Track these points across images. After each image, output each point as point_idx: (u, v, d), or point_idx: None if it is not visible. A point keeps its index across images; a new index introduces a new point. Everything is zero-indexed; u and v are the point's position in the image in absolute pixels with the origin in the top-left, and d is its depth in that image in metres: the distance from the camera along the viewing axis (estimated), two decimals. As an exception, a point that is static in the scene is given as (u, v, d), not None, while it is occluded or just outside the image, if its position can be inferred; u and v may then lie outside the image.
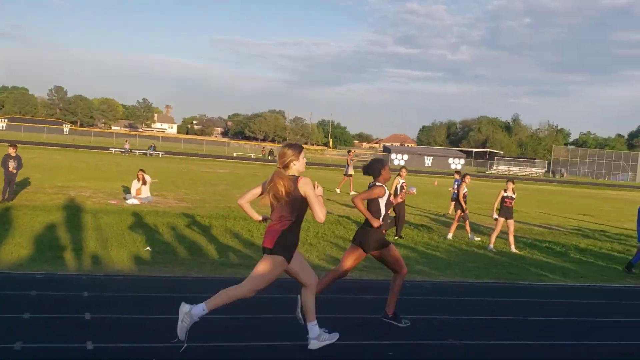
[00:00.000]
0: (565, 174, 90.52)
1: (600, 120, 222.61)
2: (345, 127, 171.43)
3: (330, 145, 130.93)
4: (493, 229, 14.18)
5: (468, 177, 15.55)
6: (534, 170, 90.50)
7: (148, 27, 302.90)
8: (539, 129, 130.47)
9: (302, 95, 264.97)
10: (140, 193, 17.31)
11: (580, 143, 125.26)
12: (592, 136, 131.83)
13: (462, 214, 15.29)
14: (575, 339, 7.02)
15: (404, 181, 14.86)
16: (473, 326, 7.22)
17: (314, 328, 5.71)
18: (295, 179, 5.42)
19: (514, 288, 10.03)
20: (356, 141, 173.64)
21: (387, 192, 6.92)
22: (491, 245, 13.61)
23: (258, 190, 5.70)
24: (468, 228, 15.37)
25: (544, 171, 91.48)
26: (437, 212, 20.83)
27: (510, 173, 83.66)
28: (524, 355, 6.33)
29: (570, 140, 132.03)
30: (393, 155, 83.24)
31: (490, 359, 6.10)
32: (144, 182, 17.45)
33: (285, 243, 5.49)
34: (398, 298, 6.98)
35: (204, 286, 8.48)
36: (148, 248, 10.72)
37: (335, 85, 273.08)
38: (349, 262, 6.96)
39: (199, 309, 5.38)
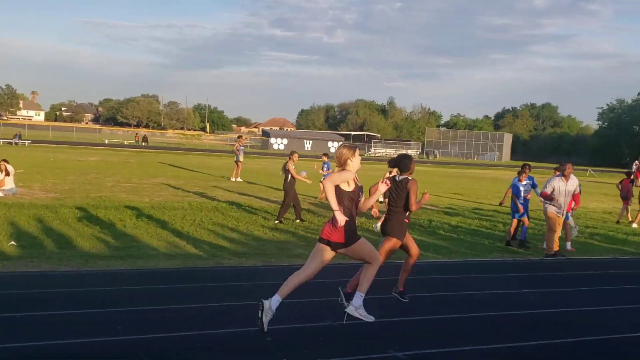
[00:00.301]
0: (438, 155, 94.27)
1: (469, 102, 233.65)
2: (222, 111, 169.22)
3: (208, 130, 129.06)
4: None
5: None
6: (409, 152, 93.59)
7: (10, 8, 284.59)
8: (412, 111, 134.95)
9: (177, 79, 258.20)
10: (3, 185, 16.27)
11: (451, 125, 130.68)
12: (461, 118, 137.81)
13: None
14: (443, 313, 7.30)
15: (294, 167, 14.94)
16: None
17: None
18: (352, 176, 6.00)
19: (388, 266, 10.28)
20: (234, 125, 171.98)
21: None
22: (377, 225, 13.93)
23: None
24: None
25: (418, 153, 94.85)
26: (316, 195, 21.05)
27: (387, 155, 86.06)
28: (394, 330, 6.50)
29: (442, 122, 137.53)
30: (272, 140, 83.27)
31: (365, 337, 6.21)
32: (7, 173, 16.42)
33: (350, 230, 5.90)
34: (407, 277, 7.57)
35: (74, 280, 8.11)
36: (13, 242, 10.11)
37: (212, 69, 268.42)
38: (383, 254, 7.14)
39: (358, 300, 6.08)
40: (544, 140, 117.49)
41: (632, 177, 19.76)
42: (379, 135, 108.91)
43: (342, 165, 6.04)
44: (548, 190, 11.90)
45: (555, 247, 12.04)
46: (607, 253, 12.95)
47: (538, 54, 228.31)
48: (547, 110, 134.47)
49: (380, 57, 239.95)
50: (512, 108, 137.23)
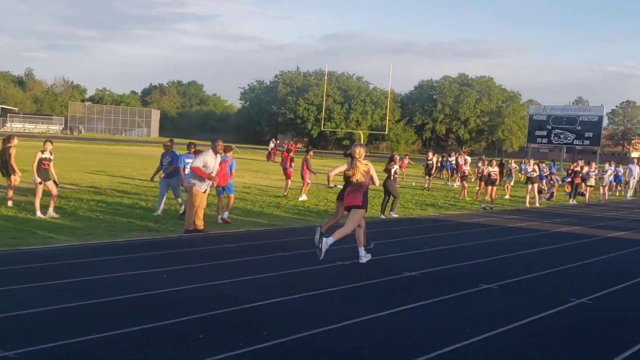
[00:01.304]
0: (83, 131, 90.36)
1: (115, 77, 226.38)
2: None
3: None
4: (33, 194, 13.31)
5: (15, 139, 14.27)
6: (51, 127, 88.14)
7: None
8: (54, 84, 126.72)
9: None
10: None
11: (96, 99, 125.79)
12: (108, 93, 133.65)
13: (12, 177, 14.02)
14: (59, 303, 6.78)
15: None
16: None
17: (362, 251, 9.65)
18: (367, 164, 9.59)
19: (17, 254, 9.38)
20: None
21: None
22: (38, 213, 12.61)
23: (344, 167, 9.68)
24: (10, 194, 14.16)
25: (61, 128, 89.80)
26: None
27: (27, 131, 79.63)
28: (5, 327, 5.86)
29: (87, 96, 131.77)
30: None
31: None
32: None
33: (366, 202, 9.61)
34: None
35: None
36: None
37: None
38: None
39: (330, 240, 9.18)
40: (191, 118, 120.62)
41: (291, 154, 21.36)
42: (16, 109, 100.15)
43: (359, 158, 9.50)
44: (199, 165, 11.96)
45: (199, 223, 12.20)
46: (244, 226, 13.65)
47: (183, 32, 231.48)
48: (193, 88, 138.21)
49: (17, 25, 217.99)
50: (159, 84, 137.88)
